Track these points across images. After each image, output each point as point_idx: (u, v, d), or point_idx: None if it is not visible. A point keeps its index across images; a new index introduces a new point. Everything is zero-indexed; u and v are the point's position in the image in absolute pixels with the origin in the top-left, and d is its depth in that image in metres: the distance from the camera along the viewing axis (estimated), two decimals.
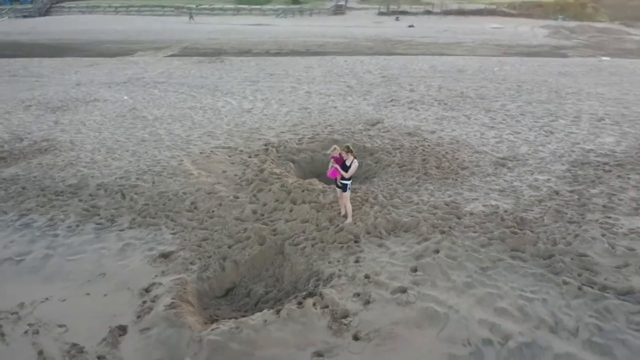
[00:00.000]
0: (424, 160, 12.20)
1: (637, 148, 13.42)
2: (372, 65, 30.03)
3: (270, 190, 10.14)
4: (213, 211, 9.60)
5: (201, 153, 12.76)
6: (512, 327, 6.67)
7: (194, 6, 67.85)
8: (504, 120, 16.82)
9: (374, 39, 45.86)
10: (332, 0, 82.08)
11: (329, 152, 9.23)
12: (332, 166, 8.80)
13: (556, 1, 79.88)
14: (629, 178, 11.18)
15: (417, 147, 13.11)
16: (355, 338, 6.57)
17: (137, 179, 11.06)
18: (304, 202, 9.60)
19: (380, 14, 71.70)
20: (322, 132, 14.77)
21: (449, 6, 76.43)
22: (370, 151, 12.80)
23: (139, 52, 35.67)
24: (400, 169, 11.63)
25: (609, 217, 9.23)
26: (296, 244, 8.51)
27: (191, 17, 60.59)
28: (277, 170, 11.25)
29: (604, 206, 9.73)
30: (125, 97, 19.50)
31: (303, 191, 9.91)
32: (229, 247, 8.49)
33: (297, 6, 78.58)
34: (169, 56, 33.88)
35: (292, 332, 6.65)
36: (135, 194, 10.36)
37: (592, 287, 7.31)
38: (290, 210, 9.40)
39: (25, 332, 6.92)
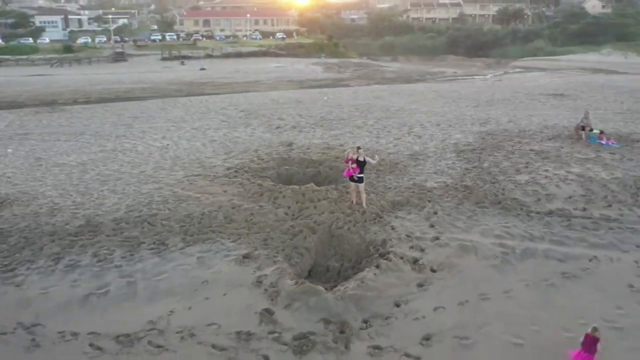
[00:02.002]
0: None
1: (481, 139, 19.19)
2: (218, 103, 31.96)
3: (284, 197, 11.97)
4: (251, 219, 11.01)
5: (180, 182, 13.49)
6: (511, 242, 10.34)
7: None
8: (379, 132, 21.24)
9: (176, 82, 47.09)
10: (107, 48, 78.92)
11: (347, 153, 11.67)
12: (351, 167, 11.29)
13: (315, 42, 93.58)
14: (495, 155, 16.42)
15: None
16: (433, 270, 9.32)
17: (149, 209, 11.48)
18: (319, 200, 11.78)
19: (164, 59, 71.95)
20: (258, 154, 16.72)
21: (227, 49, 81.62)
22: (319, 161, 15.44)
23: None
24: None
25: (509, 177, 13.94)
26: (340, 227, 10.75)
27: None
28: (271, 183, 13.04)
29: (499, 172, 14.48)
30: (9, 150, 17.72)
31: (313, 192, 12.07)
32: (291, 240, 10.22)
33: (72, 54, 72.89)
34: None
35: (395, 276, 9.03)
36: (163, 220, 10.93)
37: (533, 213, 11.55)
38: (315, 207, 11.50)
39: (182, 338, 7.62)
